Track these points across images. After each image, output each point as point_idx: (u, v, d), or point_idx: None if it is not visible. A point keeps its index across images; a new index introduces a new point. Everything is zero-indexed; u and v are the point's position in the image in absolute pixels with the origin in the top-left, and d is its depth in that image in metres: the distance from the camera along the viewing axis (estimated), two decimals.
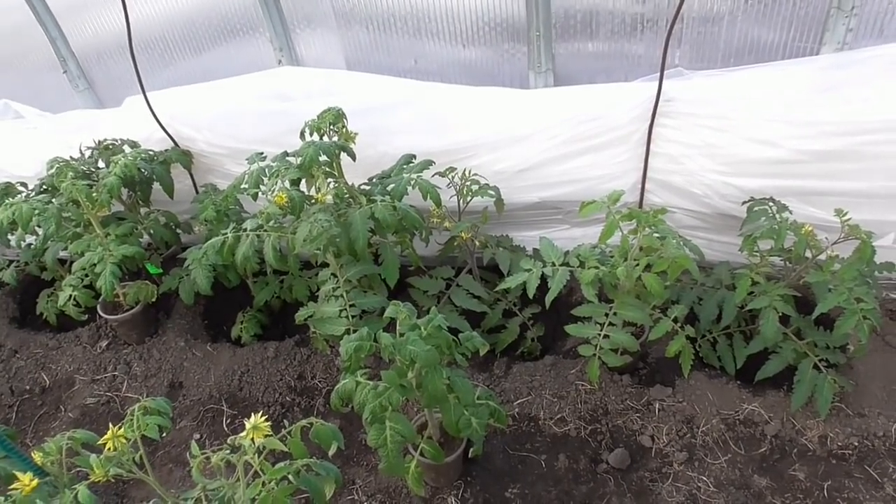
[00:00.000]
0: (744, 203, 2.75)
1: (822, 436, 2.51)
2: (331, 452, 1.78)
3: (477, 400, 2.25)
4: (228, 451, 1.64)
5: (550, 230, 3.28)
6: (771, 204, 2.65)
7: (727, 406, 2.66)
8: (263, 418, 1.66)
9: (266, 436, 1.63)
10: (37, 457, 1.79)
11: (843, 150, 2.52)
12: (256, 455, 1.59)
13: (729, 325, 2.76)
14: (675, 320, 2.56)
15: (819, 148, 2.56)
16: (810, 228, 2.43)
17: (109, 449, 1.73)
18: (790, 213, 2.66)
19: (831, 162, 2.58)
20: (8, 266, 3.55)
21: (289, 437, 1.70)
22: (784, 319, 2.52)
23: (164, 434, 2.05)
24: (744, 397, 2.67)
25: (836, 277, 2.40)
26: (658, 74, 2.60)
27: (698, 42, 2.78)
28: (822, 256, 2.51)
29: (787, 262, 2.63)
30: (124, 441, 1.75)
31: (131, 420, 1.79)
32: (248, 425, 1.65)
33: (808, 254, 2.47)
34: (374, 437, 1.98)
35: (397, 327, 2.07)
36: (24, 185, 3.36)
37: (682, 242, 2.41)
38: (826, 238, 2.52)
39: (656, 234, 2.36)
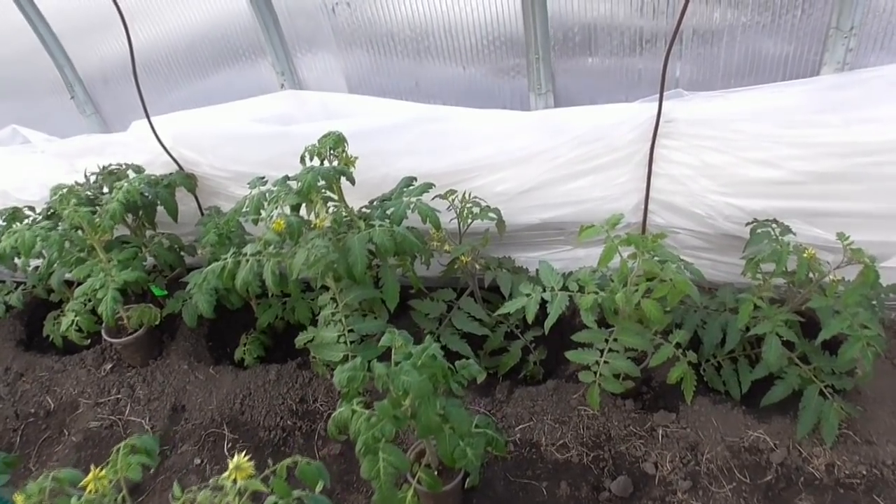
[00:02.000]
0: (747, 224, 2.72)
1: (829, 464, 2.45)
2: (317, 490, 1.76)
3: (475, 428, 2.22)
4: (211, 492, 1.62)
5: (553, 251, 3.26)
6: (774, 226, 2.62)
7: (732, 432, 2.61)
8: (247, 458, 1.62)
9: (249, 476, 1.60)
10: (19, 499, 1.76)
11: (846, 171, 2.48)
12: (238, 497, 1.56)
13: (734, 350, 2.72)
14: (678, 346, 2.52)
15: (820, 169, 2.53)
16: (813, 252, 2.39)
17: (90, 492, 1.71)
18: (794, 234, 2.62)
19: (833, 183, 2.54)
20: (15, 289, 3.59)
21: (273, 476, 1.67)
22: (789, 343, 2.48)
23: (151, 470, 2.03)
24: (749, 424, 2.62)
25: (840, 302, 2.36)
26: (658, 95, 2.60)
27: (698, 62, 2.75)
28: (828, 279, 2.47)
29: (791, 286, 2.59)
30: (106, 483, 1.73)
31: (115, 459, 1.77)
32: (230, 464, 1.62)
33: (812, 276, 2.43)
34: (368, 469, 1.96)
35: (392, 356, 2.06)
36: (31, 209, 3.40)
37: (683, 266, 2.38)
38: (829, 261, 2.48)
39: (657, 258, 2.34)
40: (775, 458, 2.50)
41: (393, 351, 2.07)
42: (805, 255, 2.38)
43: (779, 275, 2.46)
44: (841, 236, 2.39)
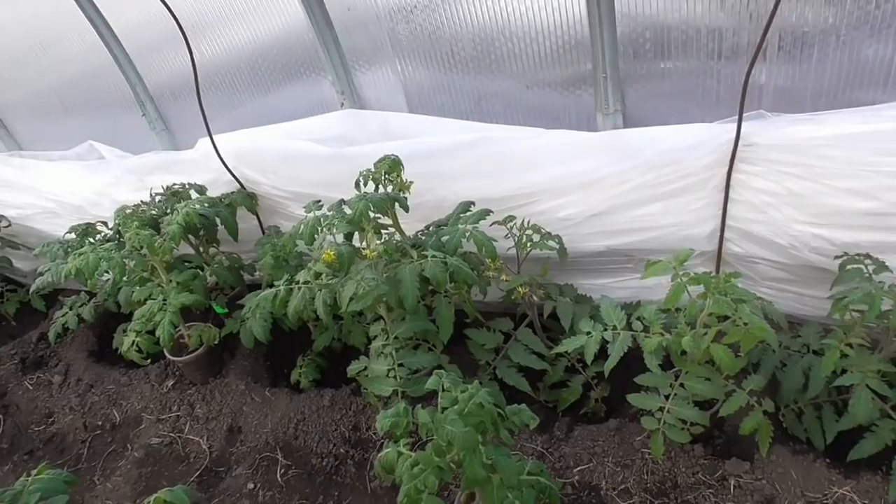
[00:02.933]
0: (836, 258, 2.47)
1: None
2: None
3: (527, 474, 2.10)
4: None
5: (620, 279, 3.09)
6: (868, 262, 2.37)
7: (813, 487, 2.37)
8: None
9: None
10: None
11: None
12: None
13: (817, 396, 2.47)
14: (752, 393, 2.31)
15: None
16: None
17: None
18: (891, 272, 2.36)
19: None
20: (88, 301, 3.70)
21: None
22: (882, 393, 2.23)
23: None
24: (833, 479, 2.37)
25: None
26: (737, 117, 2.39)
27: (784, 81, 2.51)
28: None
29: (886, 330, 2.32)
30: None
31: None
32: None
33: None
34: None
35: (438, 400, 1.96)
36: (104, 223, 3.49)
37: (760, 307, 2.17)
38: None
39: (731, 296, 2.13)
40: None
41: (439, 395, 1.97)
42: None
43: (871, 320, 2.21)
44: None
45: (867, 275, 2.33)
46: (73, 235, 3.33)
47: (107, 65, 3.62)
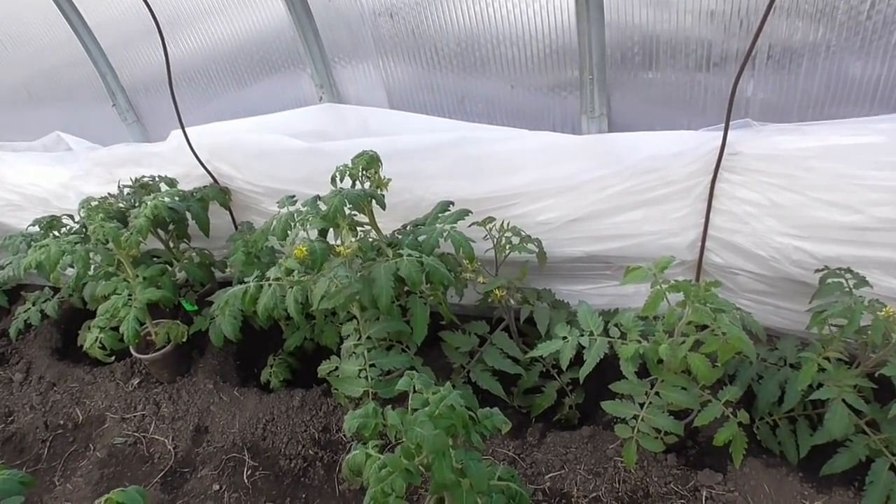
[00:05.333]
0: (817, 271, 2.45)
1: None
2: None
3: (497, 480, 2.05)
4: None
5: (599, 285, 3.05)
6: (848, 276, 2.35)
7: (785, 501, 2.34)
8: None
9: None
10: None
11: None
12: None
13: (793, 409, 2.45)
14: (727, 404, 2.28)
15: None
16: (891, 311, 2.11)
17: None
18: (870, 287, 2.34)
19: None
20: (52, 297, 3.58)
21: None
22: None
23: None
24: (806, 493, 2.35)
25: None
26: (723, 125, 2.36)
27: (773, 88, 2.48)
28: None
29: (864, 346, 2.30)
30: None
31: None
32: None
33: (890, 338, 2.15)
34: None
35: (409, 401, 1.90)
36: (70, 216, 3.38)
37: (739, 317, 2.14)
38: None
39: (710, 306, 2.10)
40: None
41: (410, 397, 1.91)
42: (882, 314, 2.10)
43: (850, 334, 2.18)
44: None
45: (847, 289, 2.32)
46: (36, 228, 3.20)
47: (77, 55, 3.51)
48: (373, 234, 2.76)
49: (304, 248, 2.37)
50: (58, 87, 3.79)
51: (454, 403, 1.85)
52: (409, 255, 2.41)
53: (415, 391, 1.91)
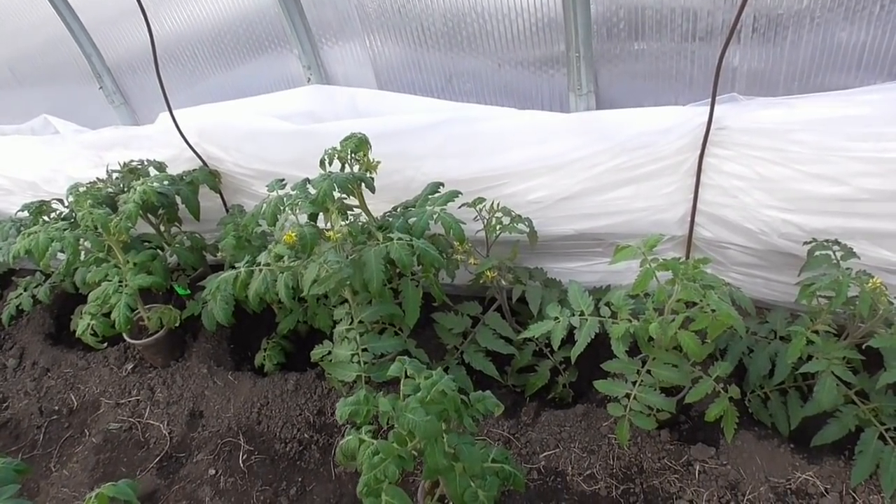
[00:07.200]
0: (805, 243, 2.46)
1: None
2: None
3: (492, 461, 2.06)
4: None
5: (590, 263, 3.05)
6: (836, 248, 2.37)
7: (778, 473, 2.38)
8: None
9: None
10: None
11: None
12: None
13: (783, 381, 2.47)
14: (718, 380, 2.30)
15: (893, 187, 2.24)
16: (878, 282, 2.13)
17: None
18: (858, 258, 2.36)
19: None
20: (44, 282, 3.57)
21: None
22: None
23: None
24: (797, 464, 2.38)
25: None
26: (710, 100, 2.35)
27: (757, 64, 2.47)
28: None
29: (852, 317, 2.32)
30: None
31: None
32: None
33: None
34: None
35: (401, 387, 1.91)
36: (60, 201, 3.35)
37: (728, 293, 2.15)
38: None
39: (699, 283, 2.10)
40: None
41: (402, 382, 1.92)
42: (869, 285, 2.12)
43: (838, 306, 2.20)
44: None
45: (835, 261, 2.33)
46: (26, 213, 3.18)
47: (62, 35, 3.45)
48: (363, 217, 2.75)
49: (294, 234, 2.37)
50: (42, 68, 3.74)
51: (446, 388, 1.85)
52: (400, 238, 2.41)
53: (406, 376, 1.91)
